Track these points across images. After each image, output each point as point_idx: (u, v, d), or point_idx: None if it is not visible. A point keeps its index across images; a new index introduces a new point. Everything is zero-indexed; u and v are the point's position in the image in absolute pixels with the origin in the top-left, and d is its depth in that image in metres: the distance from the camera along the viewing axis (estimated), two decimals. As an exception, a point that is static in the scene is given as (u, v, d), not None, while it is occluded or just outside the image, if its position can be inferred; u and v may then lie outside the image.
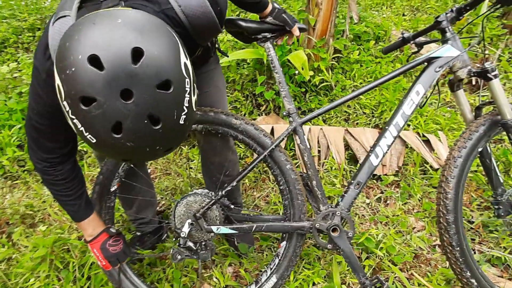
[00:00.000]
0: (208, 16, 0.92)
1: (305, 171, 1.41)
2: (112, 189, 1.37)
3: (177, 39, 0.75)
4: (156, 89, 0.67)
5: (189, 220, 1.31)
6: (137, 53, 0.65)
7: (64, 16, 0.86)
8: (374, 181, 2.14)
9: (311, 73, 2.59)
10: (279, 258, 1.39)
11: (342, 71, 2.89)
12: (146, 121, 0.68)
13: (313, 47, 2.70)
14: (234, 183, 1.32)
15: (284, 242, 1.40)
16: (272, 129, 2.37)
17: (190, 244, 1.31)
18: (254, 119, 2.70)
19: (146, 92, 0.66)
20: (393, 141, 1.38)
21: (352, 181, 1.38)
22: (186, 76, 0.73)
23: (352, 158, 2.28)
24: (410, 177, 2.13)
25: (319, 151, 2.29)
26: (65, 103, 0.68)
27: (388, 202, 2.02)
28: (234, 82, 2.86)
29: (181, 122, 0.74)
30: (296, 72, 2.62)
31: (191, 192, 1.38)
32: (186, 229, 1.30)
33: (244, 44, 2.91)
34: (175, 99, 0.71)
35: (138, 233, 1.70)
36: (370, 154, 1.38)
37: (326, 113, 1.54)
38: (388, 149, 1.38)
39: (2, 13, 3.39)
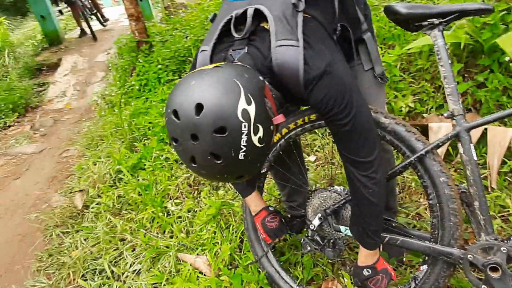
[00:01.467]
0: (294, 79, 0.97)
1: (467, 187, 1.15)
2: (262, 171, 1.53)
3: (241, 89, 0.86)
4: (213, 133, 0.83)
5: (319, 215, 1.32)
6: (199, 107, 0.83)
7: (204, 50, 1.10)
8: None
9: (534, 59, 1.96)
10: (416, 283, 1.21)
11: None
12: (209, 157, 0.86)
13: (542, 25, 2.02)
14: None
15: (425, 266, 1.20)
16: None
17: (317, 238, 1.33)
18: (442, 115, 2.31)
19: (207, 136, 0.84)
20: None
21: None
22: (243, 121, 0.85)
23: None
24: None
25: (503, 162, 1.76)
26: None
27: None
28: (424, 70, 2.51)
29: (241, 157, 0.88)
30: (507, 59, 2.04)
31: (329, 187, 1.37)
32: (316, 222, 1.32)
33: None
34: (230, 140, 0.85)
35: (289, 216, 1.83)
36: None
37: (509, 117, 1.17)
38: None
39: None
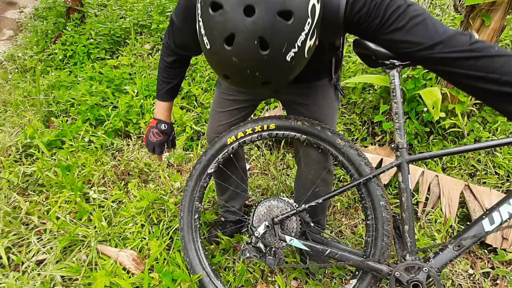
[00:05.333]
0: (334, 12, 0.89)
1: (400, 212, 1.30)
2: (209, 171, 1.49)
3: None
4: (276, 15, 0.70)
5: (266, 223, 1.34)
6: None
7: None
8: (486, 251, 1.81)
9: (443, 114, 2.35)
10: (345, 293, 1.32)
11: (482, 120, 2.53)
12: (256, 42, 0.72)
13: (453, 87, 2.44)
14: (320, 201, 1.30)
15: (355, 280, 1.31)
16: (381, 162, 2.25)
17: (261, 245, 1.34)
18: (365, 147, 2.59)
19: (267, 14, 0.70)
20: (519, 212, 1.15)
21: (453, 241, 1.21)
22: (309, 16, 0.75)
23: (466, 218, 1.98)
24: (538, 264, 1.74)
25: (427, 199, 2.07)
26: (198, 5, 0.79)
27: (498, 282, 1.69)
28: (355, 105, 2.79)
29: (288, 59, 0.76)
30: (425, 109, 2.40)
31: (277, 197, 1.41)
32: (261, 229, 1.34)
33: (376, 70, 2.84)
34: (290, 32, 0.73)
35: (222, 219, 1.82)
36: (484, 217, 1.18)
37: (441, 157, 1.39)
38: (509, 218, 1.16)
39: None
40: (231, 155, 1.50)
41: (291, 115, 1.38)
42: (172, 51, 1.32)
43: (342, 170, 2.27)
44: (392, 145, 1.31)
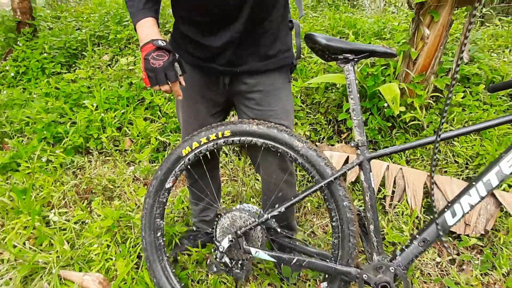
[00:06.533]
0: None
1: (365, 211, 1.31)
2: (167, 186, 1.42)
3: None
4: None
5: (230, 236, 1.30)
6: None
7: None
8: (451, 239, 1.88)
9: (402, 108, 2.42)
10: (316, 297, 1.31)
11: (440, 112, 2.63)
12: None
13: (410, 82, 2.52)
14: (282, 209, 1.27)
15: (325, 284, 1.30)
16: (347, 159, 2.28)
17: (226, 260, 1.30)
18: (332, 145, 2.62)
19: None
20: (479, 201, 1.16)
21: (417, 237, 1.22)
22: None
23: (431, 208, 2.04)
24: (499, 246, 1.81)
25: (393, 192, 2.12)
26: None
27: (463, 267, 1.75)
28: (319, 104, 2.82)
29: None
30: (386, 105, 2.47)
31: (238, 206, 1.37)
32: (225, 244, 1.30)
33: (338, 69, 2.88)
34: None
35: (194, 228, 1.77)
36: (445, 210, 1.20)
37: (401, 152, 1.41)
38: (470, 209, 1.17)
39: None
40: (189, 166, 1.45)
41: (245, 119, 1.35)
42: None
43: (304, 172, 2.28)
44: (352, 144, 1.30)
